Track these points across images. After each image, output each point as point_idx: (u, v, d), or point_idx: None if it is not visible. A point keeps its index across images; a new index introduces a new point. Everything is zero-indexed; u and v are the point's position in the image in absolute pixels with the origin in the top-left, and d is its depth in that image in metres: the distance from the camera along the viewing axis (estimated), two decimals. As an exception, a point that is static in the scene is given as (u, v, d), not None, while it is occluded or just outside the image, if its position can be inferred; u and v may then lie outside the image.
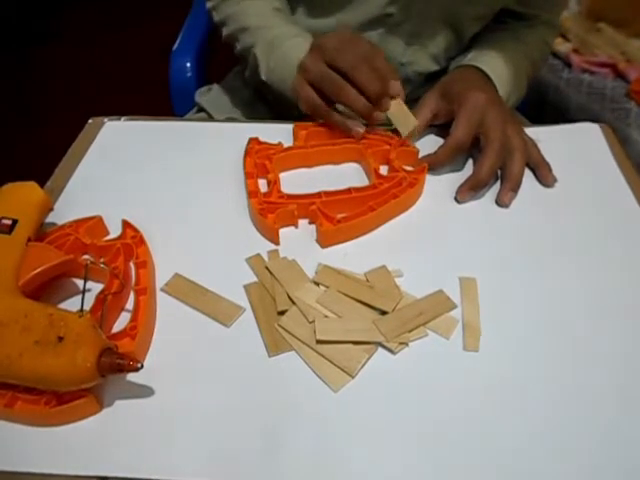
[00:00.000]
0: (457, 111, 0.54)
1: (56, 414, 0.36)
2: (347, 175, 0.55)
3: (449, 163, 0.54)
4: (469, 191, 0.52)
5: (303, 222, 0.51)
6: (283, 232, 0.49)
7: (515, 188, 0.53)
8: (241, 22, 0.64)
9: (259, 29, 0.62)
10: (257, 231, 0.50)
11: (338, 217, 0.48)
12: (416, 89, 0.70)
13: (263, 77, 0.61)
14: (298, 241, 0.49)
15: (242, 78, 0.78)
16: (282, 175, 0.55)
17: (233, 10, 0.65)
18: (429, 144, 0.57)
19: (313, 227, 0.50)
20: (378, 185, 0.51)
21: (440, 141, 0.55)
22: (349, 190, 0.50)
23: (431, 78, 0.70)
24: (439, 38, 0.65)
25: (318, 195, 0.50)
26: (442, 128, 0.57)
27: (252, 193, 0.51)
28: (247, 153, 0.55)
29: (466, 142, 0.53)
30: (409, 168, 0.54)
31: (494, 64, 0.61)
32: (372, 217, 0.49)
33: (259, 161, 0.54)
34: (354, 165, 0.57)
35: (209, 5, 0.69)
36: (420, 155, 0.55)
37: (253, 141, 0.56)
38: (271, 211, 0.49)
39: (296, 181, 0.54)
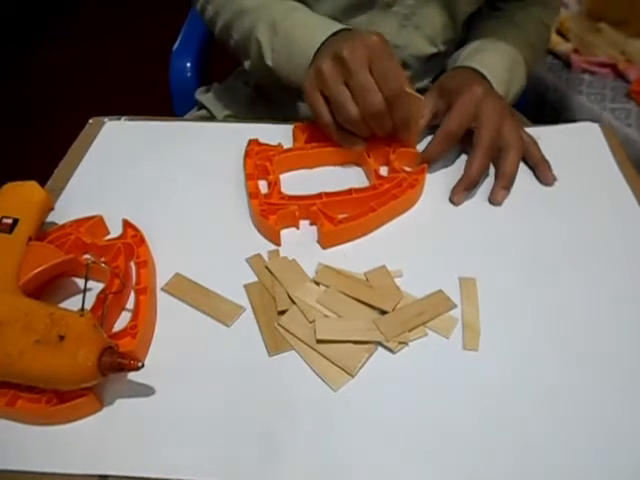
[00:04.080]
0: (452, 103, 0.53)
1: (57, 413, 0.36)
2: (347, 176, 0.55)
3: (442, 156, 0.54)
4: (463, 192, 0.52)
5: (304, 223, 0.51)
6: (284, 232, 0.49)
7: (508, 186, 0.53)
8: (236, 6, 0.60)
9: (257, 9, 0.59)
10: (257, 231, 0.50)
11: (339, 218, 0.48)
12: (415, 75, 0.70)
13: (269, 62, 0.57)
14: (299, 241, 0.49)
15: (243, 79, 0.79)
16: (282, 176, 0.55)
17: None
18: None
19: (314, 228, 0.50)
20: (378, 186, 0.51)
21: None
22: (350, 191, 0.50)
23: (429, 62, 0.69)
24: (433, 18, 0.64)
25: (319, 196, 0.50)
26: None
27: (253, 194, 0.51)
28: (247, 154, 0.55)
29: (457, 133, 0.52)
30: (409, 169, 0.54)
31: (491, 63, 0.60)
32: (373, 217, 0.49)
33: (259, 162, 0.54)
34: (354, 166, 0.57)
35: (199, 4, 0.66)
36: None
37: (253, 142, 0.56)
38: (272, 212, 0.49)
39: (296, 182, 0.54)
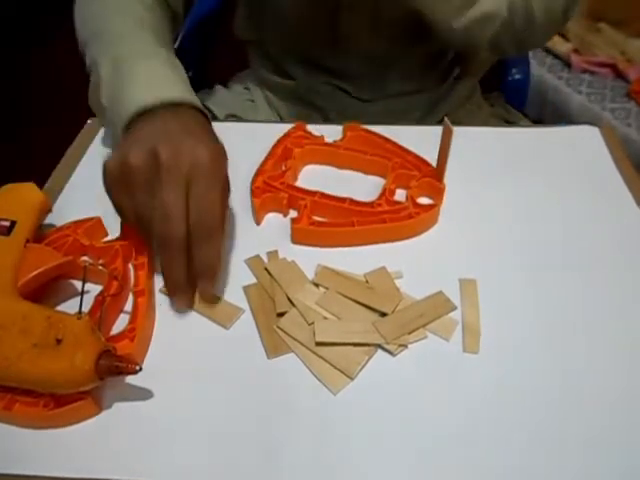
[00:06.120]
0: None
1: (54, 416, 0.36)
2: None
3: None
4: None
5: (294, 213, 0.51)
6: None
7: None
8: (96, 25, 0.52)
9: (113, 36, 0.50)
10: (256, 232, 0.50)
11: (318, 220, 0.48)
12: (407, 75, 0.69)
13: (104, 101, 0.48)
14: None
15: (243, 84, 0.79)
16: (310, 167, 0.56)
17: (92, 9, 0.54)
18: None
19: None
20: (376, 206, 0.49)
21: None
22: (344, 199, 0.50)
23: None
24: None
25: (314, 193, 0.50)
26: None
27: (261, 171, 0.52)
28: (286, 135, 0.56)
29: None
30: (427, 200, 0.51)
31: None
32: (349, 232, 0.48)
33: (290, 146, 0.54)
34: (381, 180, 0.54)
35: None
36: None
37: (298, 126, 0.57)
38: (264, 192, 0.50)
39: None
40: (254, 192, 0.50)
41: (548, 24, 0.61)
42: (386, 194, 0.50)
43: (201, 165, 0.39)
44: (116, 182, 0.41)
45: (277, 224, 0.50)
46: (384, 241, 0.49)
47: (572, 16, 0.63)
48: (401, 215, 0.49)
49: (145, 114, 0.43)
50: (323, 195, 0.50)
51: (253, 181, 0.52)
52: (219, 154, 0.42)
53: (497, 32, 0.58)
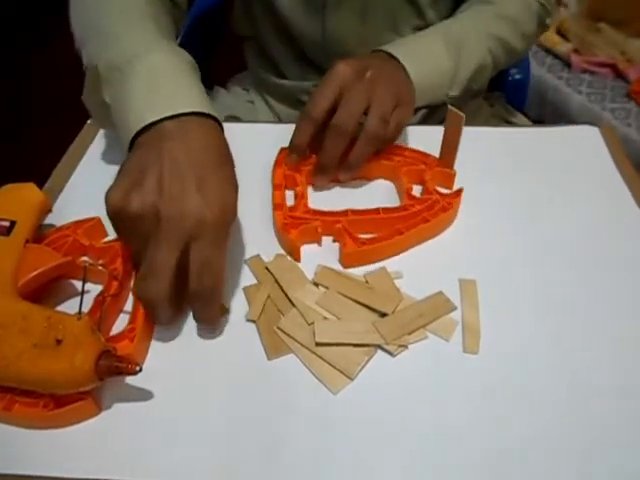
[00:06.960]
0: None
1: (54, 417, 0.36)
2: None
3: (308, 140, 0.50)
4: (321, 177, 0.52)
5: (327, 238, 0.49)
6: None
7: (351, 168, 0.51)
8: (95, 20, 0.49)
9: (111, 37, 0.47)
10: (257, 232, 0.50)
11: (363, 238, 0.46)
12: None
13: (106, 98, 0.46)
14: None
15: (241, 85, 0.79)
16: (311, 188, 0.54)
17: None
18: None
19: (336, 244, 0.48)
20: (409, 207, 0.48)
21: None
22: (377, 210, 0.48)
23: None
24: (390, 6, 0.62)
25: (345, 213, 0.48)
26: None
27: (278, 206, 0.49)
28: (277, 163, 0.53)
29: (318, 118, 0.49)
30: (444, 190, 0.51)
31: (406, 46, 0.56)
32: (399, 241, 0.46)
33: (289, 173, 0.52)
34: (387, 182, 0.54)
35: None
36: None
37: (285, 151, 0.53)
38: (295, 227, 0.47)
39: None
40: (284, 228, 0.47)
41: (528, 45, 0.67)
42: (410, 193, 0.50)
43: (205, 224, 0.37)
44: (115, 220, 0.41)
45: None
46: (428, 239, 0.49)
47: (550, 22, 0.68)
48: (437, 210, 0.48)
49: (150, 129, 0.41)
50: (355, 212, 0.48)
51: (275, 218, 0.49)
52: (225, 203, 0.39)
53: (489, 74, 0.64)
